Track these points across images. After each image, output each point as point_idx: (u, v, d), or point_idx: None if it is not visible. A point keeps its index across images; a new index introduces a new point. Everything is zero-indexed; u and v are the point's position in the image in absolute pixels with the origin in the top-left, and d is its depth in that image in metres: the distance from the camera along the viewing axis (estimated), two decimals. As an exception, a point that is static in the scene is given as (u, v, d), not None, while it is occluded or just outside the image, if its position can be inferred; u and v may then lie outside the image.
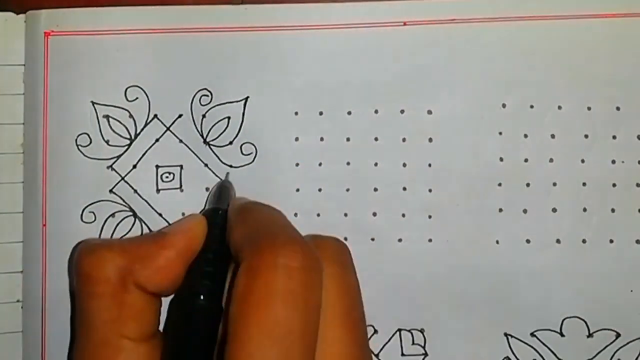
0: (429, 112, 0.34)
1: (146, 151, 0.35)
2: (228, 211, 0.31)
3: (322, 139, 0.35)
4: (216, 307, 0.27)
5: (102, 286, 0.28)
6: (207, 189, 0.35)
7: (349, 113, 0.35)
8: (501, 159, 0.34)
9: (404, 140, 0.34)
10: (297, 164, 0.35)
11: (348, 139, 0.35)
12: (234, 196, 0.34)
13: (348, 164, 0.34)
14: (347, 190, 0.34)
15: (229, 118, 0.35)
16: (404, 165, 0.34)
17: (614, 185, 0.34)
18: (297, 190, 0.35)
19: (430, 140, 0.34)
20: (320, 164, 0.35)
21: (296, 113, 0.35)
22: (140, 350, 0.28)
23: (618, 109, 0.34)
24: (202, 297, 0.27)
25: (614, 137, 0.34)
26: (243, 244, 0.26)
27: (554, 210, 0.34)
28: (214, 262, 0.28)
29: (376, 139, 0.34)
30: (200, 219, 0.30)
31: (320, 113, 0.35)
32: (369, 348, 0.29)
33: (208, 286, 0.27)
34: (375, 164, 0.34)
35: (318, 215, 0.35)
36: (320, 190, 0.35)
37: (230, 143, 0.35)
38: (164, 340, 0.29)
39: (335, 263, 0.27)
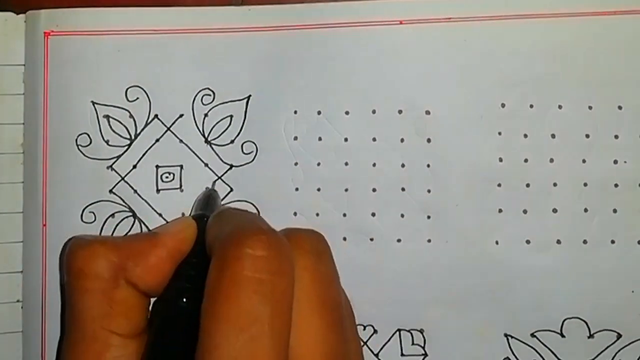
0: (427, 112, 0.34)
1: (146, 151, 0.35)
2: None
3: (320, 139, 0.35)
4: (197, 310, 0.27)
5: (94, 282, 0.28)
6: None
7: (347, 113, 0.34)
8: (500, 159, 0.34)
9: (402, 140, 0.34)
10: (296, 163, 0.35)
11: (346, 139, 0.34)
12: (219, 205, 0.34)
13: (346, 164, 0.34)
14: (346, 190, 0.34)
15: (231, 117, 0.35)
16: (403, 165, 0.34)
17: (616, 185, 0.33)
18: (297, 189, 0.35)
19: (429, 140, 0.34)
20: (319, 164, 0.34)
21: (295, 112, 0.35)
22: (129, 347, 0.28)
23: (620, 108, 0.33)
24: (184, 300, 0.27)
25: (616, 137, 0.33)
26: (215, 241, 0.26)
27: (555, 210, 0.33)
28: (197, 266, 0.28)
29: (374, 139, 0.34)
30: (191, 221, 0.30)
31: (319, 112, 0.34)
32: (352, 334, 0.29)
33: (190, 290, 0.28)
34: (374, 165, 0.34)
35: (317, 215, 0.34)
36: (319, 190, 0.34)
37: (232, 142, 0.35)
38: (147, 341, 0.29)
39: (309, 253, 0.27)
